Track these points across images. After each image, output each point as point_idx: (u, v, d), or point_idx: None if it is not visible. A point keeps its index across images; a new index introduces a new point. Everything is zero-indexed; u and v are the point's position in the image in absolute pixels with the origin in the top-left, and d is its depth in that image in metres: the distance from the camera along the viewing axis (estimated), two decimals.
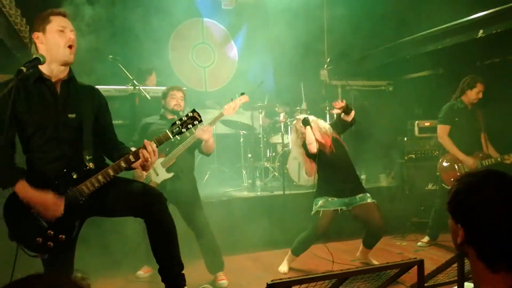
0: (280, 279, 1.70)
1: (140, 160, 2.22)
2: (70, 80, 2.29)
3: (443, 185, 4.33)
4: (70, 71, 2.31)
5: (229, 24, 6.79)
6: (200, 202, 3.65)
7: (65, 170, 2.19)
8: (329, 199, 3.59)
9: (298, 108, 5.83)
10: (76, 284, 0.81)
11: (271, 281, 1.66)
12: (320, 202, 3.60)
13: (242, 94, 3.74)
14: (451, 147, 4.24)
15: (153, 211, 2.28)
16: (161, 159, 3.52)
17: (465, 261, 2.28)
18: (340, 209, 3.59)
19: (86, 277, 3.13)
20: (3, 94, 1.98)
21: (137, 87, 4.28)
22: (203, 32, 6.82)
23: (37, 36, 2.19)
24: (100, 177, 2.21)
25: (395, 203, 5.11)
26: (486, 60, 5.53)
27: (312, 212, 3.63)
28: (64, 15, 2.24)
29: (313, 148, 3.59)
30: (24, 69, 1.95)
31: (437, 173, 4.43)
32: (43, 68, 2.21)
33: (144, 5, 6.12)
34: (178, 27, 6.61)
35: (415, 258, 2.14)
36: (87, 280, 3.16)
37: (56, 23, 2.18)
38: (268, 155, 5.90)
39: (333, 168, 3.65)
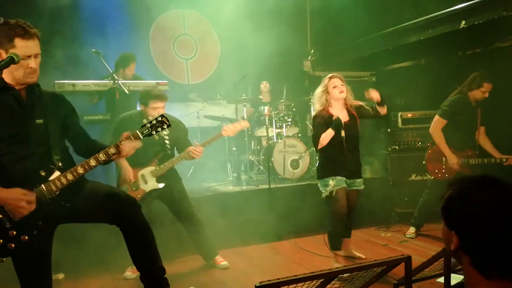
0: (269, 280, 1.73)
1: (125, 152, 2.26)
2: (32, 86, 2.25)
3: (427, 174, 4.39)
4: None
5: (212, 14, 6.65)
6: (186, 192, 3.72)
7: (32, 168, 2.16)
8: (338, 178, 3.47)
9: (282, 101, 5.80)
10: None
11: (260, 283, 1.69)
12: (331, 182, 3.46)
13: (244, 119, 3.99)
14: (440, 142, 4.23)
15: (127, 219, 2.29)
16: (152, 168, 3.53)
17: None
18: (346, 188, 3.52)
19: None
20: None
21: (116, 81, 4.16)
22: (185, 23, 6.68)
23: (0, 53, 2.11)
24: (68, 175, 2.20)
25: (379, 194, 5.13)
26: (468, 50, 5.57)
27: (324, 194, 3.50)
28: (30, 37, 2.11)
29: (324, 142, 3.47)
30: None
31: (423, 162, 4.47)
32: (6, 77, 2.15)
33: None
34: (159, 18, 6.46)
35: (403, 254, 2.15)
36: None
37: (21, 50, 2.07)
38: (252, 148, 5.86)
39: (343, 147, 3.47)
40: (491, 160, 4.20)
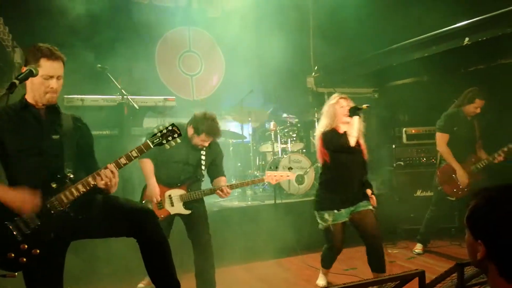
0: None
1: (103, 181, 2.19)
2: (53, 107, 2.31)
3: (448, 197, 4.34)
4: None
5: (216, 32, 6.75)
6: (206, 216, 3.50)
7: (44, 180, 2.16)
8: (336, 212, 3.25)
9: (288, 116, 5.83)
10: None
11: None
12: (328, 217, 3.28)
13: (290, 169, 4.16)
14: (449, 157, 4.26)
15: (144, 230, 2.26)
16: (182, 192, 3.34)
17: (464, 269, 2.29)
18: (346, 220, 3.30)
19: None
20: None
21: (125, 97, 4.20)
22: (190, 40, 6.77)
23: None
24: (79, 186, 2.18)
25: (385, 210, 5.10)
26: (470, 67, 5.62)
27: (320, 227, 3.36)
28: (55, 59, 2.19)
29: (353, 141, 3.17)
30: (17, 82, 1.91)
31: (435, 180, 4.46)
32: (28, 97, 2.23)
33: (131, 13, 6.04)
34: (165, 35, 6.55)
35: (416, 269, 2.13)
36: None
37: (45, 70, 2.15)
38: (257, 164, 5.86)
39: (345, 173, 3.28)
40: (495, 156, 4.16)
